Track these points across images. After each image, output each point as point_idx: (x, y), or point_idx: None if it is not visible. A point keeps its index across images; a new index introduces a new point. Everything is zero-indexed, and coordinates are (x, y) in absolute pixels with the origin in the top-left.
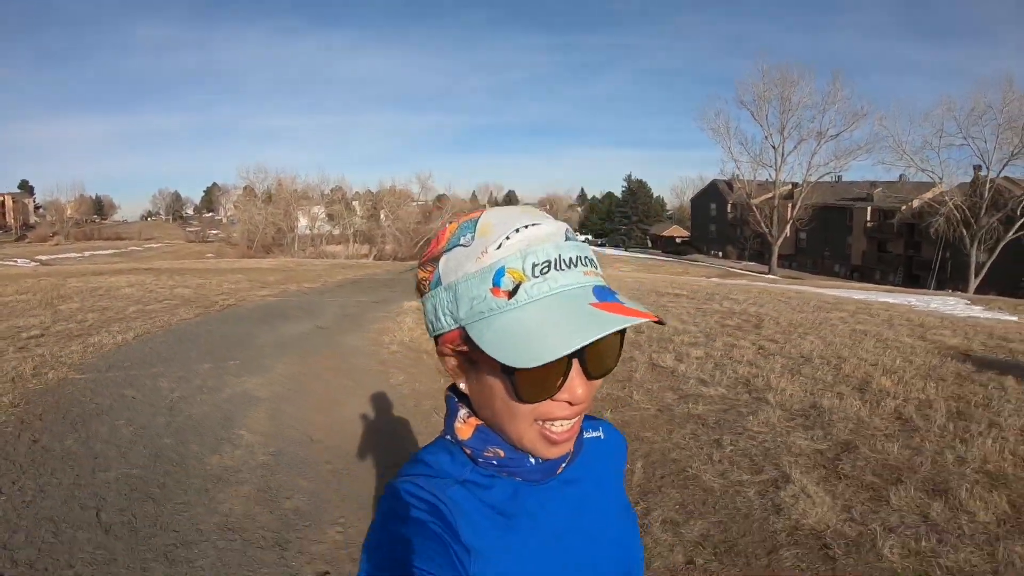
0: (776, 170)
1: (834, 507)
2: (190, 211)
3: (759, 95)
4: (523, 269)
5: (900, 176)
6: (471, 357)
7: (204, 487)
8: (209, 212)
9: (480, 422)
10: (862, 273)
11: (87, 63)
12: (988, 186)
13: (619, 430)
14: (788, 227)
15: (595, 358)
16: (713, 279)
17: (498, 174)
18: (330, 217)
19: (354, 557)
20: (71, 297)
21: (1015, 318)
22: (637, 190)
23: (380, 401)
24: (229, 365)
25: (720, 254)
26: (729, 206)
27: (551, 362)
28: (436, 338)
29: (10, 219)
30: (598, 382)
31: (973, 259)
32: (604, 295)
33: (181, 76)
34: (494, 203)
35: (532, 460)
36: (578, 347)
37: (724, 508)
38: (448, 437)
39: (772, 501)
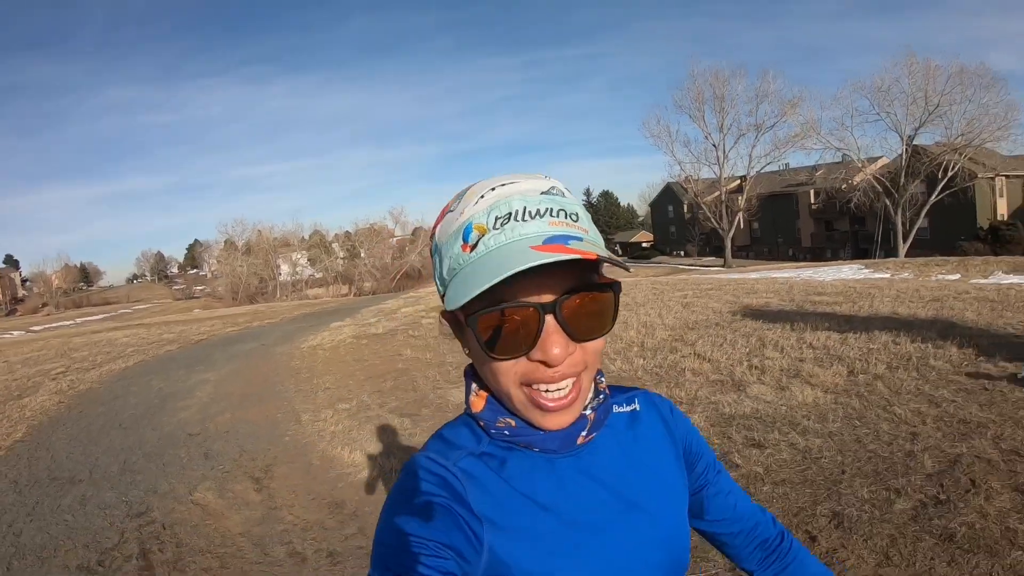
0: (720, 167)
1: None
2: (174, 270)
3: (694, 97)
4: (486, 222)
5: (843, 157)
6: (458, 319)
7: (174, 413)
8: (193, 269)
9: (491, 393)
10: (814, 253)
11: (59, 132)
12: (904, 156)
13: (657, 395)
14: (740, 219)
15: (576, 316)
16: (658, 278)
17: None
18: (311, 261)
19: (228, 431)
20: (80, 348)
21: (888, 275)
22: (602, 200)
23: (276, 371)
24: (196, 369)
25: (682, 253)
26: (685, 206)
27: (516, 316)
28: None
29: None
30: (590, 346)
31: (899, 226)
32: (556, 240)
33: (154, 136)
34: None
35: None
36: (485, 286)
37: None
38: (467, 412)
39: (445, 391)
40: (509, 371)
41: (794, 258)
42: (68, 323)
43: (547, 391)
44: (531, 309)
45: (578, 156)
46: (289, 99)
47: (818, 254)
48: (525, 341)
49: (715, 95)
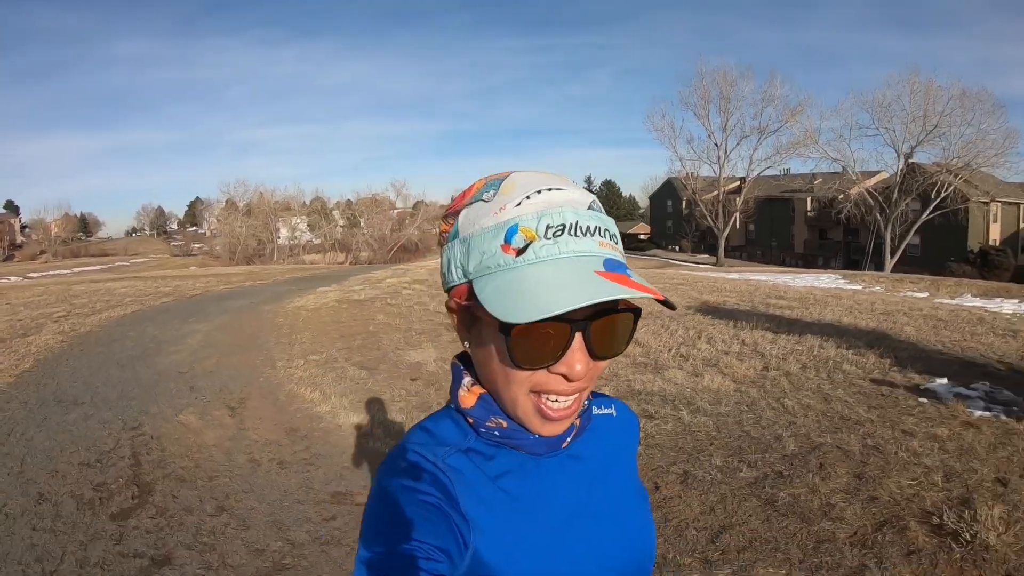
0: (720, 166)
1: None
2: (174, 226)
3: (700, 95)
4: (536, 229)
5: (843, 168)
6: (474, 313)
7: (167, 355)
8: (192, 226)
9: (484, 391)
10: (806, 260)
11: (69, 80)
12: (898, 173)
13: (630, 408)
14: (736, 220)
15: (601, 336)
16: (643, 271)
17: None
18: (311, 227)
19: (212, 371)
20: (80, 296)
21: (859, 287)
22: (604, 189)
23: (261, 326)
24: (189, 320)
25: (677, 248)
26: (684, 202)
27: (550, 329)
28: (448, 292)
29: None
30: (602, 364)
31: (887, 241)
32: (614, 267)
33: (163, 91)
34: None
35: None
36: (568, 308)
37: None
38: (452, 406)
39: (403, 352)
40: (525, 380)
41: (785, 263)
42: (65, 272)
43: (555, 401)
44: (566, 325)
45: (584, 144)
46: (299, 64)
47: (810, 261)
48: (552, 354)
49: (721, 95)
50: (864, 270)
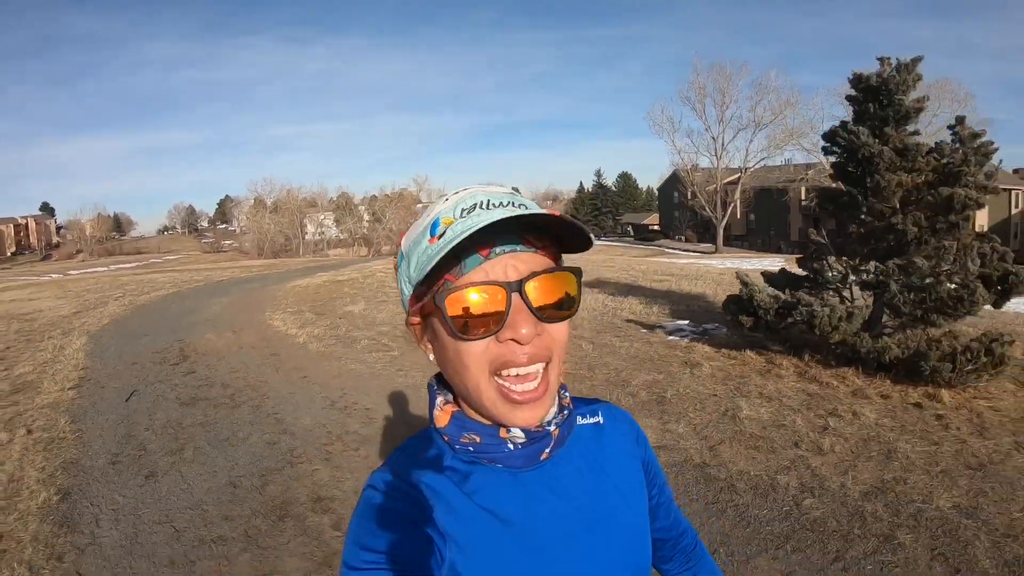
0: (717, 158)
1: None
2: (204, 223)
3: (698, 90)
4: (453, 214)
5: (819, 159)
6: (425, 311)
7: (199, 314)
8: (223, 223)
9: (456, 408)
10: (801, 248)
11: (100, 83)
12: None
13: (618, 408)
14: (735, 209)
15: (539, 294)
16: (615, 256)
17: (503, 171)
18: (337, 222)
19: (226, 319)
20: (129, 284)
21: (779, 264)
22: (620, 182)
23: (264, 297)
24: (215, 296)
25: (683, 238)
26: (689, 193)
27: (484, 293)
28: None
29: (34, 240)
30: (558, 328)
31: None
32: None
33: (192, 92)
34: None
35: (511, 445)
36: (461, 237)
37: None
38: (431, 426)
39: (345, 306)
40: (480, 357)
41: (781, 251)
42: (102, 269)
43: (518, 385)
44: (498, 287)
45: (607, 136)
46: (326, 62)
47: (805, 249)
48: (495, 320)
49: (717, 88)
50: None
